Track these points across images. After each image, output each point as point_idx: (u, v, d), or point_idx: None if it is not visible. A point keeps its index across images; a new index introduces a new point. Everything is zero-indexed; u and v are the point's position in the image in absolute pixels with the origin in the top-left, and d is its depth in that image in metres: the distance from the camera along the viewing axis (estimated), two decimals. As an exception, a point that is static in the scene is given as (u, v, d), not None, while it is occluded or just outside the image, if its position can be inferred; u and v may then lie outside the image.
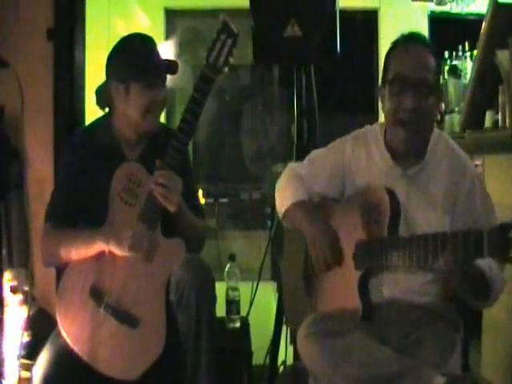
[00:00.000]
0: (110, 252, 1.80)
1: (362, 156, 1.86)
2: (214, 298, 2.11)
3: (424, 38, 1.83)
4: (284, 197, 1.93)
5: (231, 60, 1.76)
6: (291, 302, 2.02)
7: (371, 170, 1.84)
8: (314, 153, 2.00)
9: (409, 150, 1.77)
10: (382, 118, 1.89)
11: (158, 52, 1.92)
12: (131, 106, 1.89)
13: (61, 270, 1.92)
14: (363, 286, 1.74)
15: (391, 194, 1.73)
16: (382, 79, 1.80)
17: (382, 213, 1.72)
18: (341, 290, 1.79)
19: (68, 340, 1.80)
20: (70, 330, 1.81)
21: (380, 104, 1.83)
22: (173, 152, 1.79)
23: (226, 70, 1.77)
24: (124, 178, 1.85)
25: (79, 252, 1.84)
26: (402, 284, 1.74)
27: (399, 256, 1.62)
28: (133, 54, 1.89)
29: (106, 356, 1.77)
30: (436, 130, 1.83)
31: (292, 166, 2.03)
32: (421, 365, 1.56)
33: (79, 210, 1.93)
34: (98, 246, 1.80)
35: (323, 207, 1.92)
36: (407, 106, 1.70)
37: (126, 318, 1.77)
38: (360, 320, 1.70)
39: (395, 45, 1.79)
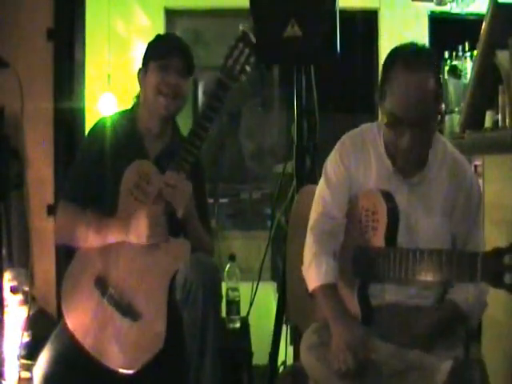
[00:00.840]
0: (122, 243, 1.83)
1: (361, 161, 1.82)
2: (220, 298, 2.12)
3: (422, 52, 1.70)
4: (312, 270, 1.79)
5: (248, 69, 1.81)
6: (294, 301, 2.02)
7: (371, 176, 1.80)
8: (327, 171, 1.86)
9: (410, 161, 1.75)
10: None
11: (179, 43, 2.03)
12: (147, 86, 1.97)
13: (62, 270, 1.92)
14: (362, 292, 1.73)
15: (388, 198, 1.71)
16: (381, 90, 1.70)
17: (380, 220, 1.70)
18: (342, 292, 1.78)
19: (71, 327, 1.82)
20: (73, 318, 1.83)
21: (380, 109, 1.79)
22: (185, 155, 1.81)
23: (243, 77, 1.81)
24: (135, 175, 1.88)
25: (95, 239, 1.86)
26: (404, 287, 1.73)
27: (395, 268, 1.62)
28: (157, 41, 2.03)
29: (106, 345, 1.78)
30: (435, 136, 1.81)
31: (316, 214, 1.85)
32: (426, 355, 1.58)
33: (93, 193, 1.94)
34: (116, 237, 1.83)
35: None
36: (403, 146, 1.66)
37: (127, 310, 1.79)
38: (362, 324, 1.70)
39: (393, 63, 1.67)
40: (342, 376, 1.59)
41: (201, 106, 1.87)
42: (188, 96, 2.03)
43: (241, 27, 1.80)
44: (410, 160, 1.73)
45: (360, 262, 1.74)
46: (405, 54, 1.68)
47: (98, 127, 2.04)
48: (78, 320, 1.83)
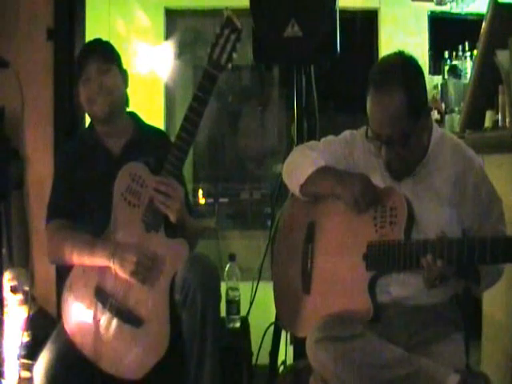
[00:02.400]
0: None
1: (367, 154, 1.84)
2: (219, 298, 2.11)
3: (395, 67, 1.70)
4: (301, 167, 1.90)
5: (235, 56, 1.75)
6: (286, 301, 1.98)
7: (377, 169, 1.82)
8: (329, 137, 1.98)
9: (396, 170, 1.78)
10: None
11: (91, 48, 2.02)
12: (82, 103, 2.00)
13: (62, 270, 1.92)
14: (372, 287, 1.74)
15: (406, 197, 1.74)
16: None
17: (399, 215, 1.72)
18: (346, 289, 1.78)
19: (73, 340, 1.81)
20: (76, 331, 1.82)
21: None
22: (175, 151, 1.79)
23: (230, 66, 1.76)
24: (127, 179, 1.86)
25: (83, 260, 1.86)
26: (410, 285, 1.74)
27: (421, 259, 1.61)
28: (83, 52, 2.03)
29: (111, 355, 1.78)
30: (439, 130, 1.82)
31: (304, 144, 2.05)
32: (434, 363, 1.58)
33: (79, 208, 1.96)
34: (102, 260, 1.82)
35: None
36: (384, 158, 1.72)
37: (130, 317, 1.78)
38: (370, 321, 1.69)
39: (369, 78, 1.71)
40: (356, 207, 1.75)
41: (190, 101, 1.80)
42: (118, 83, 2.00)
43: (225, 13, 1.74)
44: (393, 170, 1.77)
45: (375, 256, 1.74)
46: (376, 70, 1.73)
47: (64, 146, 2.12)
48: (82, 335, 1.81)
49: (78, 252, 1.86)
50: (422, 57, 3.76)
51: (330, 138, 1.97)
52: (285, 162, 2.01)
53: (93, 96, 1.94)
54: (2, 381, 2.28)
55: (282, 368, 2.60)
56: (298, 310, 1.88)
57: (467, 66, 3.40)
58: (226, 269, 2.74)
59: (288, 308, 1.95)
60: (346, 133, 1.95)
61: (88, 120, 2.17)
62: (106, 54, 1.98)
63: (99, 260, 1.82)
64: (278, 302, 2.01)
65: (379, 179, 1.81)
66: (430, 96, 3.39)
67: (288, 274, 1.96)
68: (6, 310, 2.45)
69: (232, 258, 2.78)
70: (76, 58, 2.04)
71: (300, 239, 1.94)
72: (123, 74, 2.02)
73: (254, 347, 2.68)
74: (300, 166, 1.91)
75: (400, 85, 1.64)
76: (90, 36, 3.24)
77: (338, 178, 1.81)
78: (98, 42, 2.05)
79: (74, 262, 1.88)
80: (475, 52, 2.72)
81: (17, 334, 2.42)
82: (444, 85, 3.43)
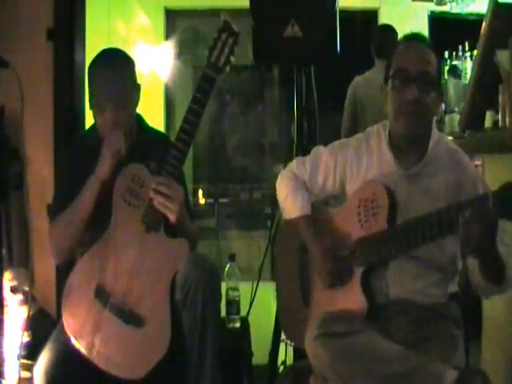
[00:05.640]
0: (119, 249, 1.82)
1: (363, 159, 1.86)
2: (219, 297, 2.12)
3: (425, 37, 1.88)
4: (289, 205, 1.94)
5: (232, 59, 1.77)
6: (289, 315, 2.01)
7: (372, 172, 1.84)
8: (319, 149, 1.99)
9: (411, 139, 1.78)
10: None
11: (119, 77, 1.95)
12: (101, 124, 1.97)
13: (62, 270, 1.92)
14: (365, 283, 1.74)
15: (386, 186, 1.76)
16: (385, 77, 1.81)
17: (380, 206, 1.74)
18: (342, 291, 1.79)
19: (74, 340, 1.81)
20: (76, 331, 1.82)
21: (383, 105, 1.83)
22: (175, 152, 1.79)
23: (227, 69, 1.78)
24: (127, 180, 1.87)
25: (85, 205, 1.89)
26: (407, 285, 1.75)
27: (406, 242, 1.64)
28: (97, 82, 1.95)
29: (112, 356, 1.78)
30: (436, 132, 1.83)
31: (294, 164, 2.02)
32: (432, 360, 1.58)
33: None
34: (102, 172, 1.86)
35: (320, 214, 1.94)
36: (409, 98, 1.71)
37: (130, 317, 1.78)
38: (365, 318, 1.70)
39: (397, 44, 1.84)
40: (330, 286, 1.80)
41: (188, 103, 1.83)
42: (133, 111, 2.01)
43: (222, 16, 1.77)
44: (416, 115, 1.74)
45: (363, 250, 1.76)
46: (408, 33, 1.87)
47: (66, 147, 2.13)
48: (82, 335, 1.81)
49: (77, 205, 1.88)
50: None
51: (320, 149, 1.98)
52: (277, 183, 2.01)
53: (111, 127, 1.92)
54: (2, 381, 2.28)
55: (282, 368, 2.61)
56: (301, 322, 1.89)
57: (467, 66, 3.40)
58: (226, 269, 2.74)
59: (291, 321, 1.99)
60: (335, 143, 1.96)
61: (88, 122, 2.18)
62: (124, 90, 1.94)
63: (100, 174, 1.86)
64: (281, 316, 2.07)
65: (384, 176, 1.81)
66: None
67: (288, 288, 1.99)
68: (6, 309, 2.45)
69: (232, 258, 2.78)
70: (92, 70, 1.98)
71: (296, 250, 1.97)
72: (137, 91, 2.01)
73: (254, 347, 2.68)
74: (287, 203, 1.95)
75: (430, 46, 1.82)
76: (90, 36, 3.25)
77: (311, 241, 1.88)
78: (116, 67, 1.97)
79: (80, 226, 1.89)
80: (475, 52, 2.72)
81: (17, 334, 2.41)
82: (444, 85, 3.43)
